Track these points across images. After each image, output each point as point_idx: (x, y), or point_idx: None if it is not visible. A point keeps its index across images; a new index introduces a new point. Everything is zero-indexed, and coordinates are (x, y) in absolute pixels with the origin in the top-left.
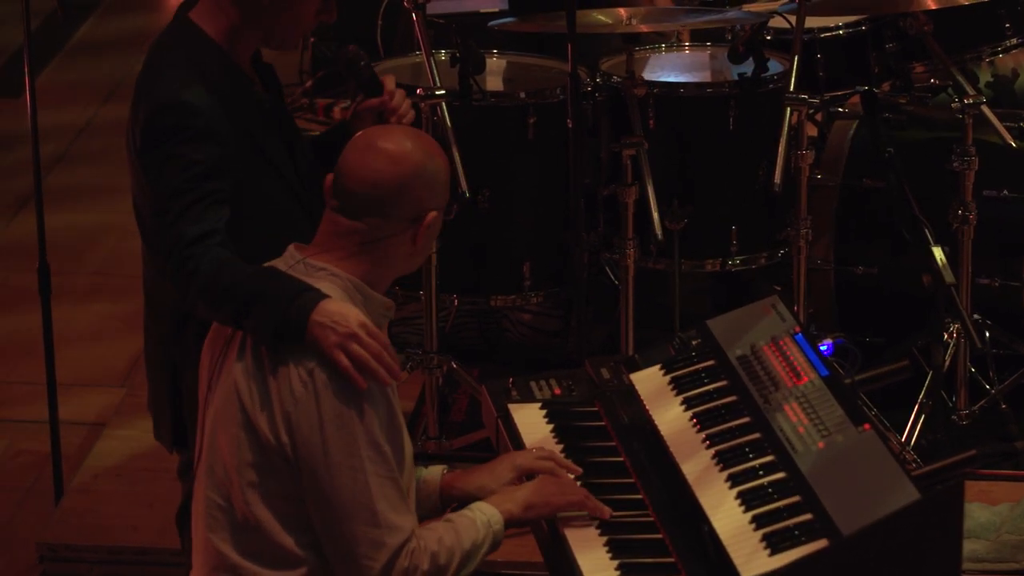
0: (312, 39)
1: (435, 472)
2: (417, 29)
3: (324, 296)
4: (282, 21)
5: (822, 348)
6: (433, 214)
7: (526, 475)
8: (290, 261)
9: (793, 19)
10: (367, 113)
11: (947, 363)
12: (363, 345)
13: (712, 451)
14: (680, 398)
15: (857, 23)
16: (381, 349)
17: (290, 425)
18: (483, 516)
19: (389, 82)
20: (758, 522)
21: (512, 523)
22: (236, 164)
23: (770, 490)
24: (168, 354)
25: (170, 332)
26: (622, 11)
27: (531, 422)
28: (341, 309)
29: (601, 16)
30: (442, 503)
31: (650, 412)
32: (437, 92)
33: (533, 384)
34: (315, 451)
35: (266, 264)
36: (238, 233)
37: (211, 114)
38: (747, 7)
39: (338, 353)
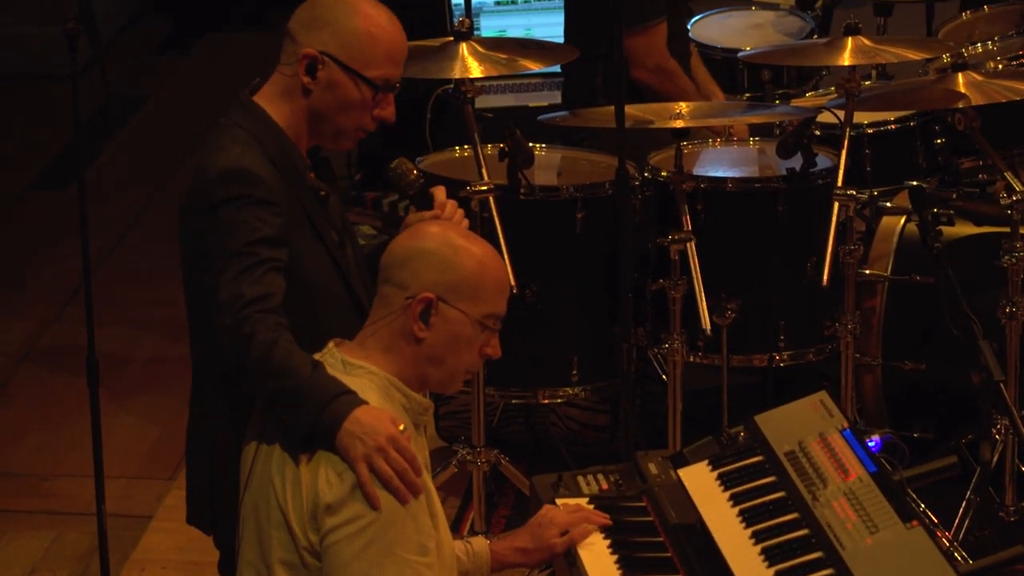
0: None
1: (482, 548)
2: (467, 123)
3: (361, 403)
4: (337, 117)
5: (870, 444)
6: (429, 297)
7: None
8: (328, 359)
9: (841, 114)
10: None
11: (995, 459)
12: (389, 460)
13: (759, 547)
14: (728, 494)
15: (905, 118)
16: (406, 466)
17: (317, 525)
18: None
19: (439, 193)
20: None
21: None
22: (291, 238)
23: None
24: (210, 434)
25: (213, 413)
26: (672, 105)
27: None
28: (374, 421)
29: (651, 111)
30: None
31: (698, 508)
32: (484, 186)
33: (581, 479)
34: (344, 555)
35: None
36: (287, 307)
37: (272, 185)
38: (795, 102)
39: (361, 466)
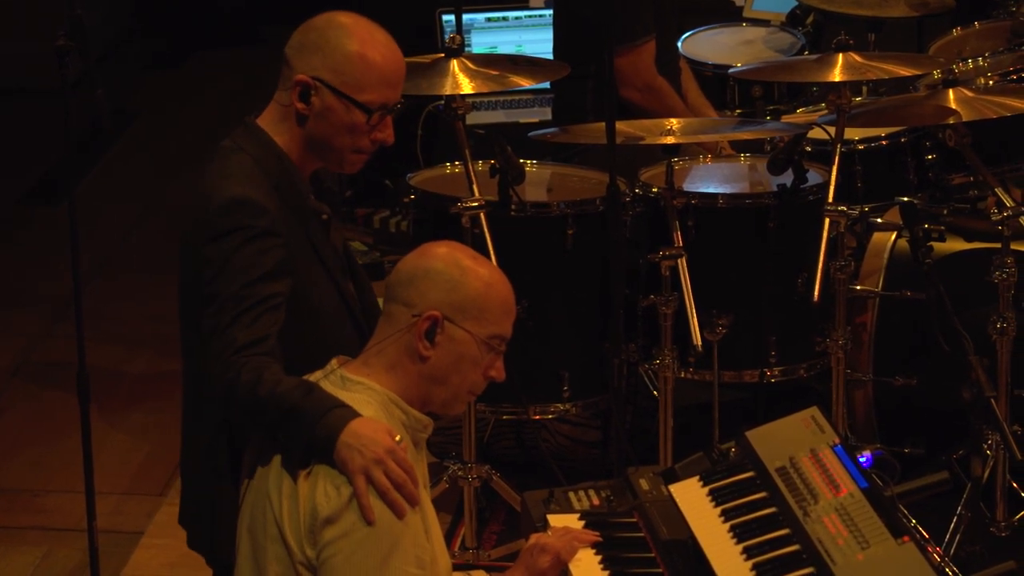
0: None
1: None
2: (458, 139)
3: (355, 415)
4: (333, 141)
5: (861, 460)
6: (435, 315)
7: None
8: (330, 376)
9: (832, 130)
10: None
11: (986, 475)
12: (388, 471)
13: (751, 563)
14: (719, 510)
15: (896, 134)
16: (405, 478)
17: (315, 539)
18: None
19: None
20: None
21: None
22: (296, 267)
23: None
24: (208, 461)
25: (210, 440)
26: (663, 122)
27: None
28: (371, 432)
29: (642, 127)
30: None
31: (689, 524)
32: (475, 203)
33: (572, 495)
34: (341, 566)
35: (306, 376)
36: (289, 336)
37: (276, 215)
38: (786, 118)
39: (359, 478)
